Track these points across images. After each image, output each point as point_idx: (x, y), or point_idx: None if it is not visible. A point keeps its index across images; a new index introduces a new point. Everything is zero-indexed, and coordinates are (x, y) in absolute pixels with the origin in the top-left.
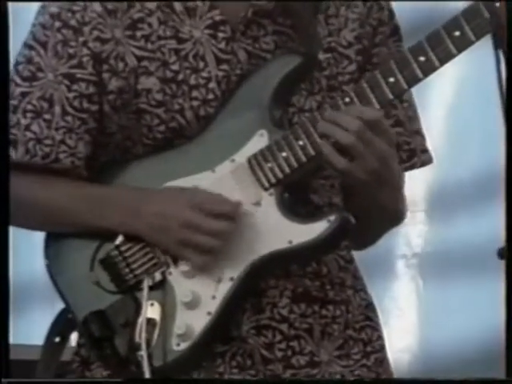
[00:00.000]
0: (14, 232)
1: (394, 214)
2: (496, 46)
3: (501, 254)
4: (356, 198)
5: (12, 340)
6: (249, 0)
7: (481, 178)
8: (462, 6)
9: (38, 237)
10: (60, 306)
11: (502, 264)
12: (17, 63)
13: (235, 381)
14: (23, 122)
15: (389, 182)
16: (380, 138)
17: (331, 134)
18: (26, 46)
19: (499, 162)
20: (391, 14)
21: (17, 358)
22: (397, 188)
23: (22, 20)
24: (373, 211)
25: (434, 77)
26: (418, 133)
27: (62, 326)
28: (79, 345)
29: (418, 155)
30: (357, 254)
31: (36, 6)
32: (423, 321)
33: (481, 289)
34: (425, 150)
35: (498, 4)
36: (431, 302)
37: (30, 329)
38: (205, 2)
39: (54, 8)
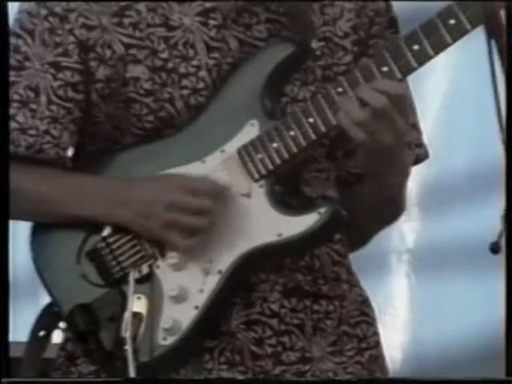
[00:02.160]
0: None
1: (397, 205)
2: (489, 36)
3: (493, 248)
4: (364, 185)
5: None
6: None
7: (476, 172)
8: None
9: (20, 231)
10: (43, 302)
11: (496, 259)
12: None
13: (224, 380)
14: (9, 111)
15: (399, 165)
16: (399, 116)
17: (349, 109)
18: (13, 34)
19: (494, 156)
20: (388, 5)
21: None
22: (405, 174)
23: None
24: (379, 199)
25: (427, 67)
26: (414, 126)
27: (47, 319)
28: (66, 339)
29: (412, 149)
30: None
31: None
32: (416, 317)
33: (475, 284)
34: (420, 145)
35: None
36: (424, 298)
37: (12, 325)
38: None
39: None
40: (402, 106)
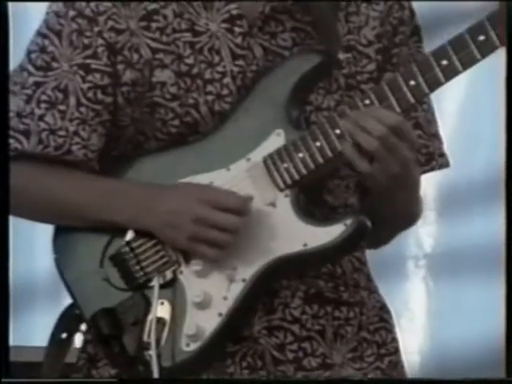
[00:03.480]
0: (14, 231)
1: (409, 217)
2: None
3: None
4: (373, 200)
5: (12, 342)
6: None
7: (492, 178)
8: (480, 5)
9: (40, 236)
10: (62, 305)
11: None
12: (29, 52)
13: (239, 380)
14: (37, 112)
15: (408, 187)
16: (403, 143)
17: (354, 135)
18: (40, 34)
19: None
20: (412, 13)
21: (18, 359)
22: (415, 192)
23: (22, 20)
24: (389, 214)
25: None
26: (436, 136)
27: (68, 321)
28: (86, 341)
29: (435, 159)
30: (367, 255)
31: (36, 5)
32: (434, 322)
33: (492, 289)
34: (442, 154)
35: None
36: (442, 303)
37: (31, 330)
38: None
39: None
40: (405, 133)
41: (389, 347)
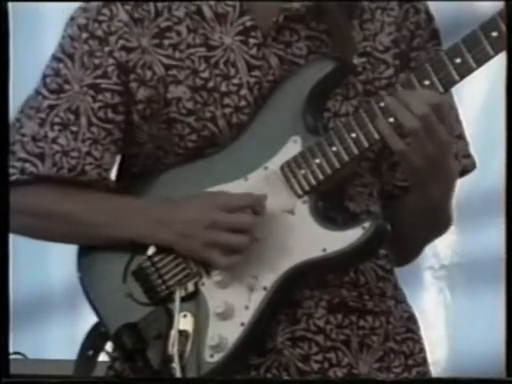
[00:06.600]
0: (29, 245)
1: (444, 216)
2: None
3: None
4: (409, 197)
5: (30, 355)
6: (282, 1)
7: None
8: (492, 5)
9: (55, 249)
10: (78, 318)
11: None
12: (44, 76)
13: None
14: (50, 134)
15: (444, 175)
16: (442, 126)
17: (396, 113)
18: (55, 58)
19: None
20: (429, 17)
21: (35, 372)
22: (451, 185)
23: (22, 20)
24: (425, 210)
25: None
26: (460, 137)
27: (94, 339)
28: (113, 359)
29: (459, 160)
30: None
31: (36, 5)
32: (451, 333)
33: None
34: (467, 155)
35: None
36: (459, 315)
37: (47, 343)
38: (235, 8)
39: (81, 19)
40: (445, 116)
41: (416, 358)
